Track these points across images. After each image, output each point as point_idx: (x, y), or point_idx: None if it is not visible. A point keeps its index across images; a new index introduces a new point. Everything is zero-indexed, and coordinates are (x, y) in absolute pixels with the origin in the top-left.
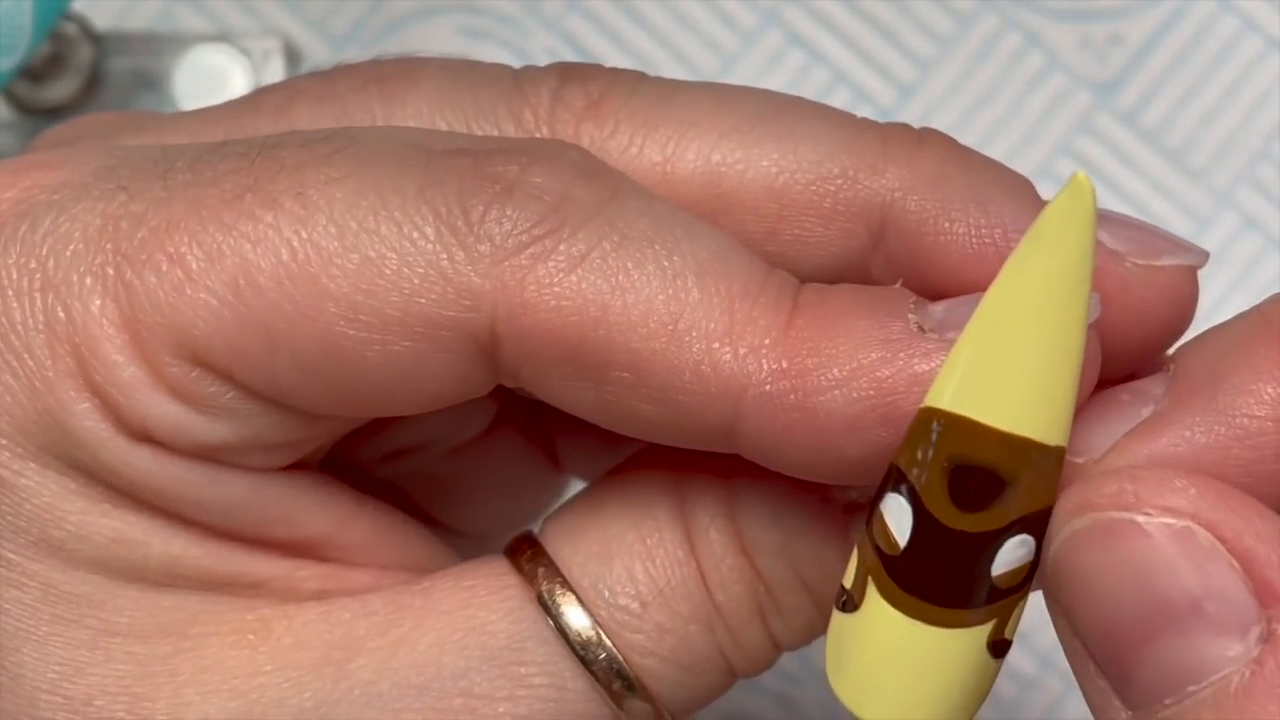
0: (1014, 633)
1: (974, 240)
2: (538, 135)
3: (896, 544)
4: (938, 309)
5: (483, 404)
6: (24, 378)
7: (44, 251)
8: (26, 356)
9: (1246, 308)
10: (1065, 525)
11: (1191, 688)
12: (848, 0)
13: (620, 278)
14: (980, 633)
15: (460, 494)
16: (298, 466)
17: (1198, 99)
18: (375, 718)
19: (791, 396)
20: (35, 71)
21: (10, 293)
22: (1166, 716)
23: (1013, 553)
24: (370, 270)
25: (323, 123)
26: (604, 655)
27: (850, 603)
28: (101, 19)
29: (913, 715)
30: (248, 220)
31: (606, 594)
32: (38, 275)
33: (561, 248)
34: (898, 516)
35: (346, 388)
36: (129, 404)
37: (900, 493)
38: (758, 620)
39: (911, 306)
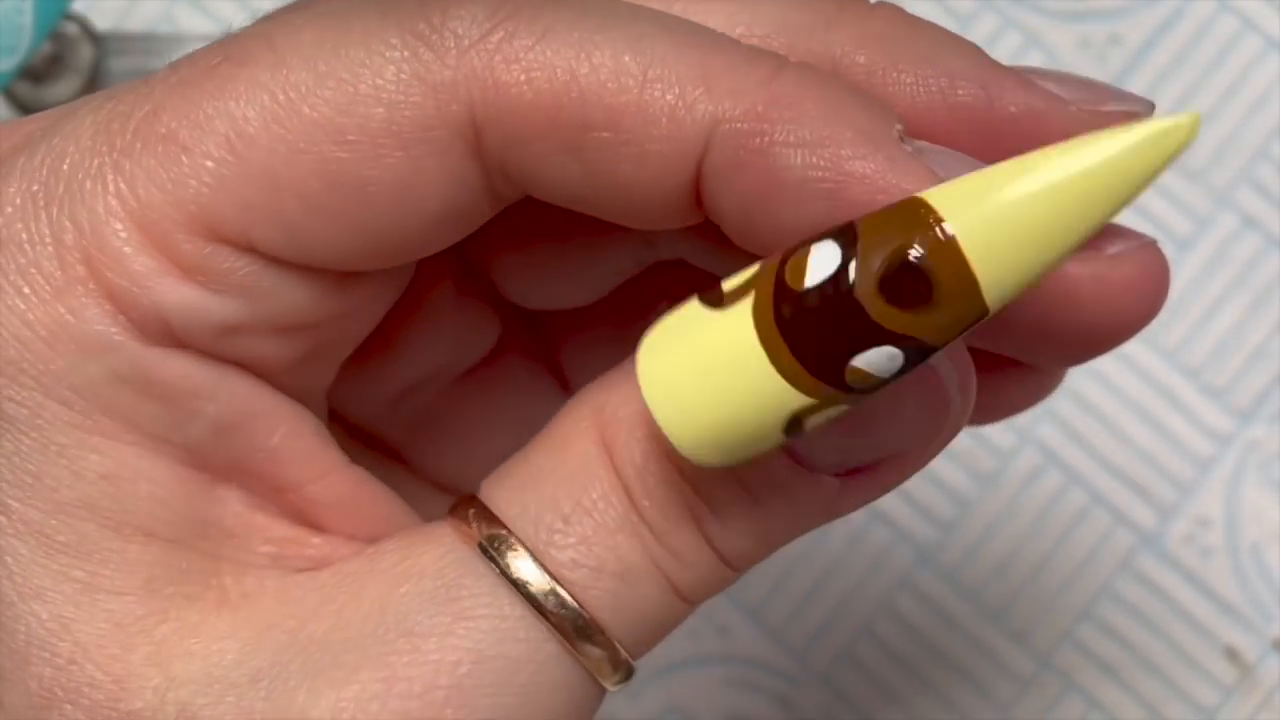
0: (813, 428)
1: (921, 89)
2: None
3: (801, 282)
4: (919, 140)
5: (486, 320)
6: (30, 295)
7: (44, 172)
8: (34, 271)
9: (1246, 307)
10: None
11: None
12: None
13: (585, 44)
14: (799, 399)
15: (469, 436)
16: (301, 399)
17: (1197, 99)
18: (326, 669)
19: (756, 140)
20: (36, 72)
21: (15, 215)
22: None
23: (879, 356)
24: (348, 91)
25: None
26: (536, 575)
27: (717, 299)
28: (101, 19)
29: (698, 417)
30: (228, 81)
31: (533, 516)
32: (40, 194)
33: (523, 27)
34: (822, 263)
35: (355, 218)
36: (142, 293)
37: (840, 247)
38: (690, 525)
39: (899, 119)
